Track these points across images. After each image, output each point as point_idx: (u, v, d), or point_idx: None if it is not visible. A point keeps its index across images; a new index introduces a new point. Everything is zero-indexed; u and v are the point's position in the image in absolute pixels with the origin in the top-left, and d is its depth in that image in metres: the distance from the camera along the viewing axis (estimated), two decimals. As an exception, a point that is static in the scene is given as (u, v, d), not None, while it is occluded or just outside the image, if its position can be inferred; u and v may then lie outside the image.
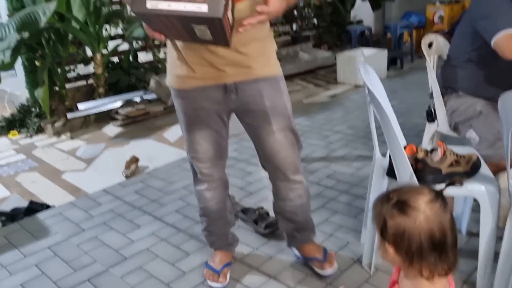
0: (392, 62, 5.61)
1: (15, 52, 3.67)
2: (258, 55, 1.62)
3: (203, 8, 1.18)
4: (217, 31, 1.27)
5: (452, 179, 1.12)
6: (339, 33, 6.63)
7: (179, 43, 1.59)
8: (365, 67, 1.94)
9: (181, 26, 1.29)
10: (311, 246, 1.95)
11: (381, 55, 5.20)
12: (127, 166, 3.17)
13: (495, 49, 1.91)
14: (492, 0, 1.99)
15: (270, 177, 1.85)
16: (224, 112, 1.72)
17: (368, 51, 5.25)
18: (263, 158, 1.80)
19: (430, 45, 2.44)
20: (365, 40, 6.29)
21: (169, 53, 1.69)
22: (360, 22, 6.99)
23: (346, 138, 3.43)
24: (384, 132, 1.76)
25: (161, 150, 3.56)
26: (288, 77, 5.47)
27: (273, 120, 1.67)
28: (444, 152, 1.70)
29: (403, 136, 2.07)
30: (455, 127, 2.21)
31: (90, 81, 4.58)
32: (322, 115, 3.99)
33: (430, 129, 2.42)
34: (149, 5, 1.20)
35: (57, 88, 4.29)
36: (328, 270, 1.88)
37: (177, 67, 1.63)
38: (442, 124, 2.30)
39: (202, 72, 1.61)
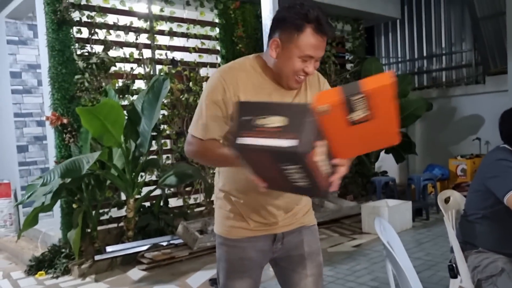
0: (417, 213, 5.64)
1: (56, 195, 3.96)
2: (305, 205, 1.79)
3: (293, 143, 1.17)
4: (308, 173, 1.24)
5: None
6: (364, 184, 6.81)
7: (234, 198, 1.68)
8: (380, 221, 2.01)
9: (273, 168, 1.27)
10: None
11: (405, 206, 5.27)
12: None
13: (509, 206, 1.99)
14: (499, 161, 2.13)
15: None
16: (266, 261, 1.79)
17: (392, 202, 5.33)
18: None
19: (447, 200, 2.53)
20: (390, 190, 6.42)
21: (222, 204, 1.76)
22: (384, 173, 7.22)
23: (370, 291, 3.34)
24: (402, 288, 1.76)
25: (183, 297, 3.53)
26: (314, 225, 5.52)
27: (308, 264, 1.76)
28: None
29: (424, 292, 2.05)
30: (478, 285, 2.17)
31: (121, 223, 4.75)
32: (346, 266, 3.94)
33: (454, 285, 2.37)
34: (239, 140, 1.24)
35: (89, 230, 4.45)
36: None
37: (230, 218, 1.71)
38: (465, 280, 2.27)
39: (255, 225, 1.70)
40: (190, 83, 5.28)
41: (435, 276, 3.46)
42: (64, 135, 4.39)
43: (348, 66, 7.15)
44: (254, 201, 1.66)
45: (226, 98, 1.57)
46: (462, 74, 7.64)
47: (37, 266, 4.38)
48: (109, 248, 4.43)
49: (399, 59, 8.48)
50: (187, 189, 5.20)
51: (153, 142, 4.85)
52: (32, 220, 4.04)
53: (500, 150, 2.20)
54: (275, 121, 1.21)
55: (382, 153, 7.05)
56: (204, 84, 5.43)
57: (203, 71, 5.45)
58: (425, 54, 8.07)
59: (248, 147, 1.23)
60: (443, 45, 7.82)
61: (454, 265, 2.32)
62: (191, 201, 5.18)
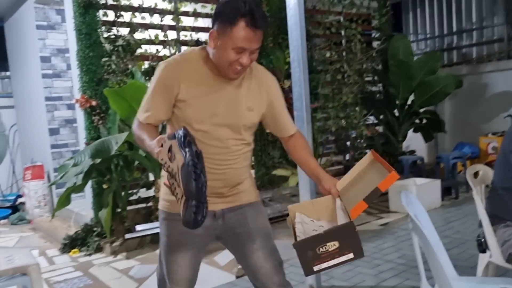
0: (446, 192, 5.56)
1: (87, 176, 4.06)
2: (247, 184, 1.91)
3: (350, 255, 1.63)
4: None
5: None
6: (391, 163, 6.70)
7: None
8: (407, 195, 2.00)
9: None
10: None
11: (434, 184, 5.19)
12: None
13: None
14: None
15: None
16: (208, 238, 1.87)
17: (420, 181, 5.27)
18: (249, 275, 1.92)
19: (476, 175, 2.49)
20: (418, 169, 6.33)
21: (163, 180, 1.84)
22: (412, 152, 7.10)
23: (397, 268, 3.33)
24: (429, 263, 1.75)
25: (211, 273, 3.60)
26: (340, 205, 5.51)
27: (256, 239, 1.86)
28: None
29: (452, 267, 2.04)
30: (509, 259, 2.14)
31: (150, 203, 4.85)
32: (373, 244, 3.94)
33: (483, 260, 2.34)
34: (316, 268, 1.62)
35: (119, 210, 4.57)
36: None
37: (170, 193, 1.67)
38: (495, 254, 2.23)
39: None
40: (215, 64, 5.28)
41: (464, 254, 3.42)
42: (93, 117, 4.49)
43: (375, 44, 7.02)
44: None
45: (170, 88, 1.72)
46: (493, 50, 7.40)
47: (70, 244, 4.54)
48: (138, 227, 4.54)
49: (428, 36, 8.27)
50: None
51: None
52: (65, 200, 4.17)
53: None
54: (331, 245, 1.60)
55: (410, 132, 6.94)
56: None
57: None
58: (454, 29, 7.84)
59: (325, 269, 1.64)
60: (474, 20, 7.57)
61: (482, 239, 2.29)
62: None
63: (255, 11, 1.63)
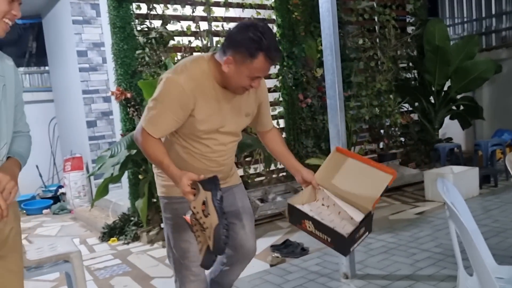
0: (485, 180, 5.41)
1: (123, 166, 4.16)
2: (234, 173, 2.18)
3: (367, 233, 2.03)
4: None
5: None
6: (427, 151, 6.59)
7: (173, 158, 1.91)
8: (443, 182, 1.96)
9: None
10: None
11: (472, 172, 5.06)
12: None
13: None
14: None
15: (231, 261, 2.21)
16: None
17: (457, 169, 5.14)
18: (233, 249, 2.15)
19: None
20: (455, 157, 6.18)
21: (157, 169, 2.03)
22: (449, 139, 6.93)
23: (434, 257, 3.28)
24: (467, 251, 1.72)
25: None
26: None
27: (243, 217, 2.13)
28: None
29: (491, 256, 1.99)
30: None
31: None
32: (409, 233, 3.88)
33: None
34: (351, 248, 2.00)
35: (154, 200, 4.66)
36: None
37: (169, 180, 1.87)
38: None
39: None
40: (247, 54, 5.29)
41: (503, 243, 3.32)
42: (128, 109, 4.58)
43: (409, 29, 6.85)
44: (192, 170, 1.85)
45: (185, 107, 1.82)
46: (535, 32, 7.11)
47: (109, 233, 4.68)
48: (174, 216, 4.62)
49: (465, 19, 8.00)
50: (247, 159, 5.29)
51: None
52: (103, 190, 4.29)
53: None
54: (362, 230, 1.98)
55: (447, 119, 6.77)
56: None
57: (259, 41, 5.43)
58: (493, 12, 7.55)
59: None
60: (514, 1, 7.27)
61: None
62: (251, 171, 5.27)
63: (272, 46, 1.77)
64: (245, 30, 1.77)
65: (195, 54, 1.97)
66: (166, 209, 2.05)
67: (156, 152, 1.84)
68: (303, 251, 3.64)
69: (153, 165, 2.07)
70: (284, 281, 3.09)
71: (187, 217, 1.74)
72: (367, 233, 2.01)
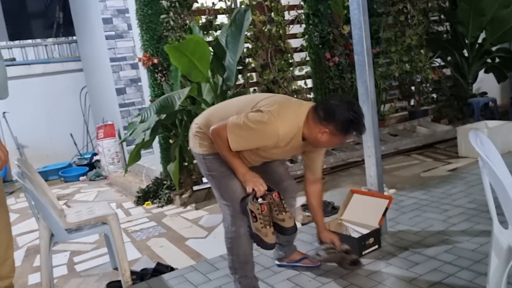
0: (521, 134, 5.23)
1: (154, 131, 4.22)
2: None
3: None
4: None
5: None
6: (460, 107, 6.41)
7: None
8: (477, 134, 1.91)
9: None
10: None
11: (508, 126, 4.89)
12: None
13: None
14: None
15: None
16: None
17: (492, 123, 4.98)
18: (273, 183, 2.41)
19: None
20: (490, 112, 5.99)
21: (202, 137, 2.27)
22: (484, 94, 6.70)
23: (467, 212, 3.24)
24: (502, 205, 1.69)
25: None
26: (405, 152, 5.38)
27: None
28: None
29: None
30: None
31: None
32: (441, 189, 3.84)
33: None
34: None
35: (186, 163, 4.75)
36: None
37: (205, 139, 2.27)
38: None
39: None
40: (272, 14, 5.20)
41: (540, 197, 3.24)
42: (156, 75, 4.61)
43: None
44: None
45: (265, 144, 2.14)
46: None
47: (143, 197, 4.82)
48: (205, 179, 4.71)
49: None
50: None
51: (239, 75, 4.91)
52: (136, 156, 4.38)
53: None
54: (371, 240, 2.82)
55: (481, 73, 6.53)
56: (287, 14, 5.31)
57: (284, 0, 5.31)
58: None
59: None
60: None
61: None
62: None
63: (364, 125, 2.14)
64: (345, 109, 2.08)
65: (297, 100, 2.33)
66: (212, 161, 2.24)
67: (233, 161, 2.18)
68: (334, 209, 3.66)
69: (191, 127, 2.37)
70: (315, 239, 3.12)
71: (264, 205, 2.12)
72: (376, 246, 2.79)
